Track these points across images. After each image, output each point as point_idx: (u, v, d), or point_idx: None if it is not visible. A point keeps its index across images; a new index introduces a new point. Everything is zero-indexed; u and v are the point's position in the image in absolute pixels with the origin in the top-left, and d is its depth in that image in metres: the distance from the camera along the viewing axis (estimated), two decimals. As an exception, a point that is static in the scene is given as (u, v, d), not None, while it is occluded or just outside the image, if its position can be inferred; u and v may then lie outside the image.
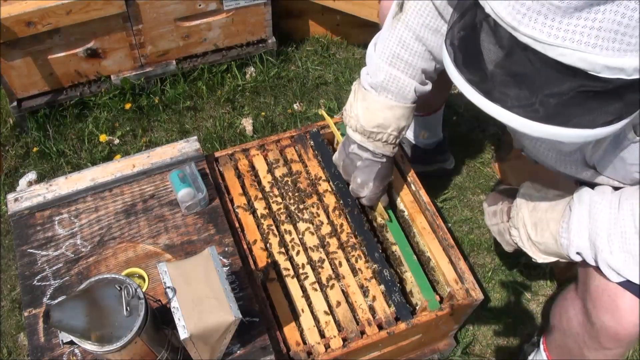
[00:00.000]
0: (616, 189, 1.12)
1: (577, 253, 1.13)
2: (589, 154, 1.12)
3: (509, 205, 1.28)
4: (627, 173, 1.08)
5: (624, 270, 1.06)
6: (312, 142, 1.57)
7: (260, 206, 1.45)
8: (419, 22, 1.23)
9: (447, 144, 2.01)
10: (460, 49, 0.88)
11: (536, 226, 1.18)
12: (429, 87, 1.32)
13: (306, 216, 1.44)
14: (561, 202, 1.17)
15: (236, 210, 1.43)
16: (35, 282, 1.26)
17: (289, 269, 1.35)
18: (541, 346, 1.49)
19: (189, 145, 1.48)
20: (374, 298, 1.33)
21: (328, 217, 1.45)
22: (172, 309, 1.00)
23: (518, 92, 0.82)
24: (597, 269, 1.11)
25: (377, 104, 1.30)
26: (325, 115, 1.55)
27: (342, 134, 1.59)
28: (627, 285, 1.08)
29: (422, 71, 1.28)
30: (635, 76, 0.74)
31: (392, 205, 1.50)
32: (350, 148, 1.38)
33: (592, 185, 1.16)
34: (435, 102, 1.79)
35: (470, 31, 0.85)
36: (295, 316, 1.29)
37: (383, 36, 1.30)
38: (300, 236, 1.41)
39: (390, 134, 1.32)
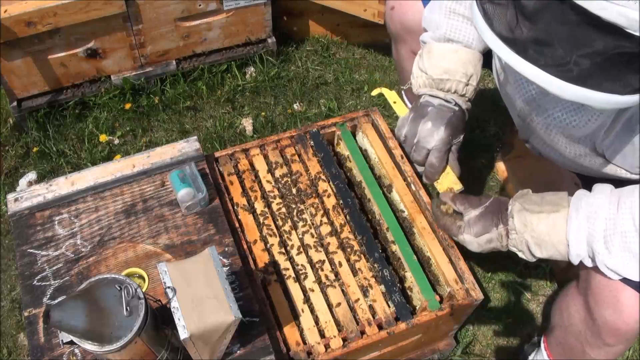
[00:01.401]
0: (617, 184, 1.11)
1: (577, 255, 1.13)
2: (600, 140, 1.11)
3: (506, 228, 1.20)
4: (636, 160, 1.07)
5: (624, 270, 1.06)
6: (312, 142, 1.57)
7: (260, 206, 1.45)
8: None
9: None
10: (492, 4, 0.86)
11: (540, 246, 1.15)
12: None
13: (306, 216, 1.44)
14: (560, 220, 1.12)
15: (236, 210, 1.43)
16: (35, 282, 1.26)
17: (289, 269, 1.35)
18: (542, 345, 1.49)
19: (189, 145, 1.48)
20: (374, 298, 1.33)
21: (328, 217, 1.45)
22: (172, 309, 1.00)
23: (552, 50, 0.80)
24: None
25: (442, 50, 1.29)
26: (386, 90, 1.47)
27: (344, 137, 1.59)
28: (628, 280, 1.08)
29: None
30: None
31: (392, 206, 1.50)
32: (421, 99, 1.33)
33: (597, 179, 1.15)
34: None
35: None
36: (295, 316, 1.29)
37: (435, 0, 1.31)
38: (300, 236, 1.41)
39: (459, 81, 1.29)
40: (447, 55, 1.29)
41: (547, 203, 1.14)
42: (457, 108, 1.31)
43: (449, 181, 1.35)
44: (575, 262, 1.12)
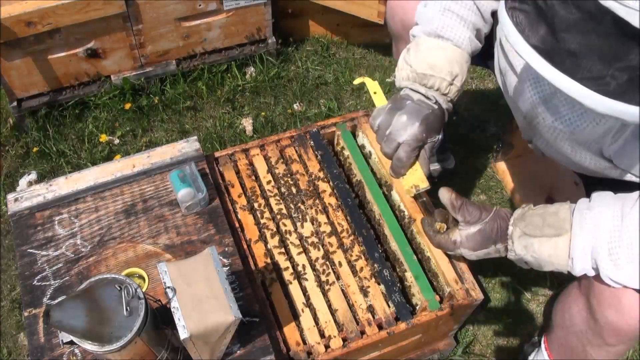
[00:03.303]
0: (619, 185, 1.10)
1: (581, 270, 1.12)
2: (607, 144, 1.10)
3: (505, 245, 1.19)
4: None
5: (631, 282, 1.05)
6: (312, 142, 1.57)
7: (260, 206, 1.45)
8: None
9: (447, 144, 2.01)
10: (524, 13, 0.84)
11: (541, 266, 1.15)
12: (480, 45, 1.31)
13: (306, 216, 1.44)
14: (562, 244, 1.10)
15: (236, 210, 1.43)
16: (35, 282, 1.26)
17: (289, 269, 1.35)
18: (542, 345, 1.49)
19: (189, 145, 1.48)
20: (374, 298, 1.33)
21: (328, 217, 1.45)
22: (172, 309, 1.00)
23: (590, 62, 0.78)
24: None
25: (430, 45, 1.28)
26: (368, 80, 1.44)
27: (344, 137, 1.59)
28: None
29: (473, 25, 1.28)
30: None
31: (392, 206, 1.50)
32: (401, 92, 1.30)
33: (601, 181, 1.15)
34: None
35: None
36: (295, 316, 1.29)
37: None
38: (300, 236, 1.41)
39: (443, 78, 1.26)
40: (434, 51, 1.27)
41: (548, 226, 1.12)
42: (436, 106, 1.27)
43: (415, 178, 1.32)
44: (578, 274, 1.12)
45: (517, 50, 0.85)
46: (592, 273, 1.10)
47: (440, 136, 1.31)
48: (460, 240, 1.22)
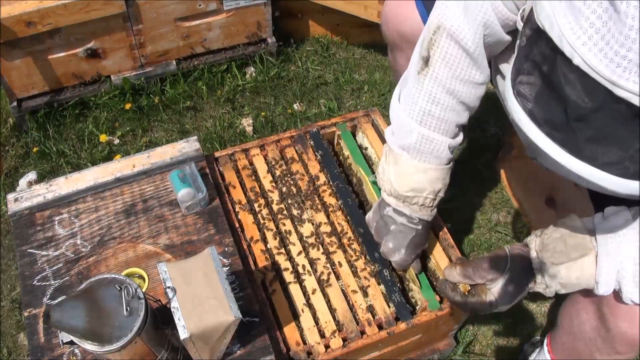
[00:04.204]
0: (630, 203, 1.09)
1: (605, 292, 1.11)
2: None
3: (534, 282, 1.16)
4: None
5: None
6: (312, 142, 1.57)
7: (260, 206, 1.45)
8: (449, 74, 1.14)
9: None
10: (535, 102, 0.82)
11: (566, 288, 1.13)
12: (460, 138, 1.26)
13: (306, 216, 1.44)
14: (589, 264, 1.08)
15: (236, 210, 1.43)
16: (35, 282, 1.25)
17: (289, 269, 1.35)
18: (545, 347, 1.49)
19: (189, 145, 1.48)
20: (374, 298, 1.33)
21: (328, 217, 1.45)
22: (172, 309, 1.00)
23: (607, 148, 0.77)
24: None
25: (410, 168, 1.23)
26: (364, 177, 1.49)
27: (344, 137, 1.59)
28: None
29: (455, 125, 1.21)
30: None
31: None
32: (386, 210, 1.30)
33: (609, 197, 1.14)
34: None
35: (548, 82, 0.78)
36: (295, 316, 1.29)
37: (409, 92, 1.21)
38: (300, 236, 1.41)
39: (426, 197, 1.24)
40: (415, 175, 1.23)
41: (572, 249, 1.10)
42: (419, 226, 1.29)
43: (410, 274, 1.39)
44: (601, 295, 1.11)
45: (531, 137, 0.83)
46: (612, 290, 1.10)
47: (426, 244, 1.36)
48: (495, 299, 1.17)
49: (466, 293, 1.20)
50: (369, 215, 1.38)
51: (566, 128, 0.79)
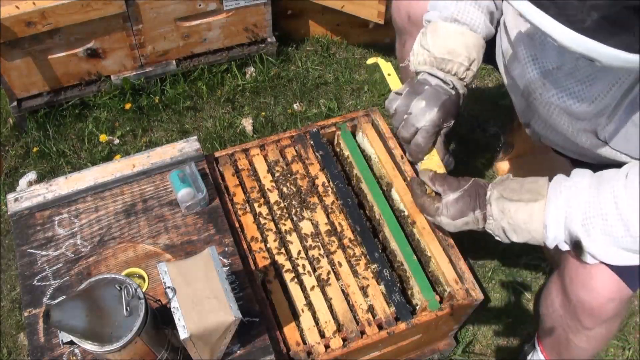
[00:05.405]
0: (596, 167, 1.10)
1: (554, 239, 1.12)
2: (602, 126, 1.10)
3: (483, 213, 1.20)
4: (637, 144, 1.06)
5: (603, 255, 1.05)
6: (312, 142, 1.57)
7: (260, 206, 1.45)
8: None
9: (447, 144, 2.00)
10: None
11: (516, 232, 1.15)
12: (493, 32, 1.33)
13: (306, 216, 1.44)
14: (538, 209, 1.12)
15: (236, 210, 1.43)
16: (35, 282, 1.26)
17: (289, 269, 1.35)
18: (537, 347, 1.49)
19: (189, 145, 1.48)
20: (374, 298, 1.33)
21: (328, 217, 1.45)
22: (172, 309, 1.00)
23: (566, 0, 0.80)
24: None
25: (449, 30, 1.29)
26: (382, 62, 1.43)
27: (344, 137, 1.59)
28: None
29: (487, 9, 1.30)
30: None
31: (392, 206, 1.50)
32: (420, 75, 1.31)
33: (594, 165, 1.14)
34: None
35: None
36: (295, 316, 1.29)
37: None
38: (300, 236, 1.41)
39: (461, 63, 1.28)
40: (452, 35, 1.28)
41: (526, 191, 1.13)
42: (453, 92, 1.29)
43: (432, 163, 1.33)
44: (551, 245, 1.12)
45: (536, 22, 0.85)
46: (564, 245, 1.10)
47: (454, 121, 1.33)
48: (441, 208, 1.24)
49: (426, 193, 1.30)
50: (392, 96, 1.32)
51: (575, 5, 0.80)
